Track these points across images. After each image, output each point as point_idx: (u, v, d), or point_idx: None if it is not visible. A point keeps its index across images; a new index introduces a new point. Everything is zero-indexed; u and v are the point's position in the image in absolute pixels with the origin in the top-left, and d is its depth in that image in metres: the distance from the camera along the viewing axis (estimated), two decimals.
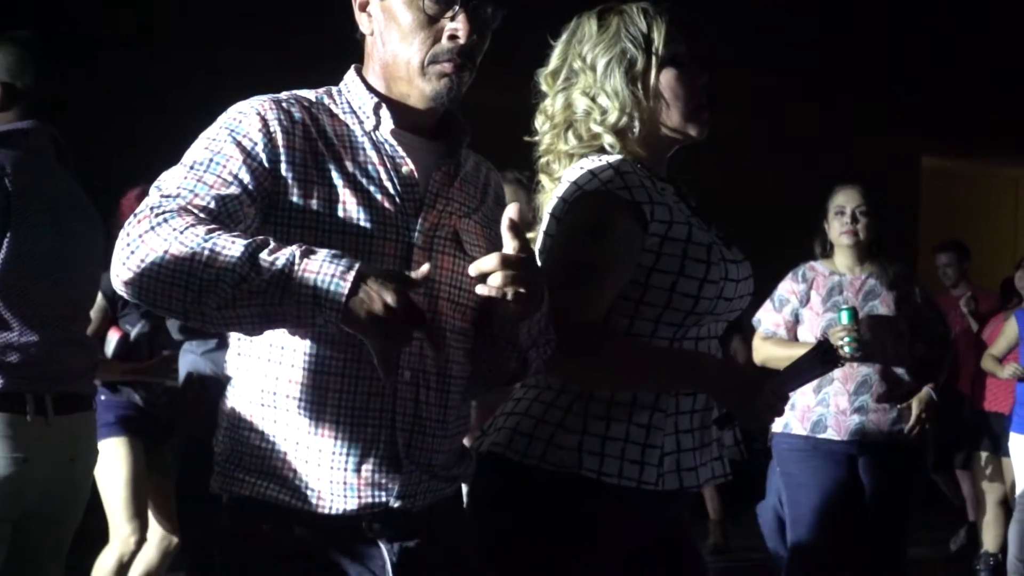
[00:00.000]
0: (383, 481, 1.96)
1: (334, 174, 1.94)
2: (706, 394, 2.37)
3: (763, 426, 2.35)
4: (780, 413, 2.37)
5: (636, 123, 2.40)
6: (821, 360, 2.38)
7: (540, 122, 2.49)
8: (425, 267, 1.78)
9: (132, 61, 7.59)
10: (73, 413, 3.20)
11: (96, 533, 4.90)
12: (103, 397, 4.94)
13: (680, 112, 2.41)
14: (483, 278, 1.86)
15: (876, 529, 4.48)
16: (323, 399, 1.93)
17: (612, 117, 2.39)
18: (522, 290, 1.85)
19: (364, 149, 2.00)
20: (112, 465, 4.86)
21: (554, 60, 2.48)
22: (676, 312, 2.32)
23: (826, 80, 9.57)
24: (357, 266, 1.70)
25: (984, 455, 6.87)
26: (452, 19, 1.97)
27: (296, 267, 1.70)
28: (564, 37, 2.48)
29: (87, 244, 3.28)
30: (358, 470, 1.95)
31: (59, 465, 3.17)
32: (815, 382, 4.33)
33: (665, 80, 2.40)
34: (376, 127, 2.01)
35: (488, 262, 1.84)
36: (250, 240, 1.72)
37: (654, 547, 2.45)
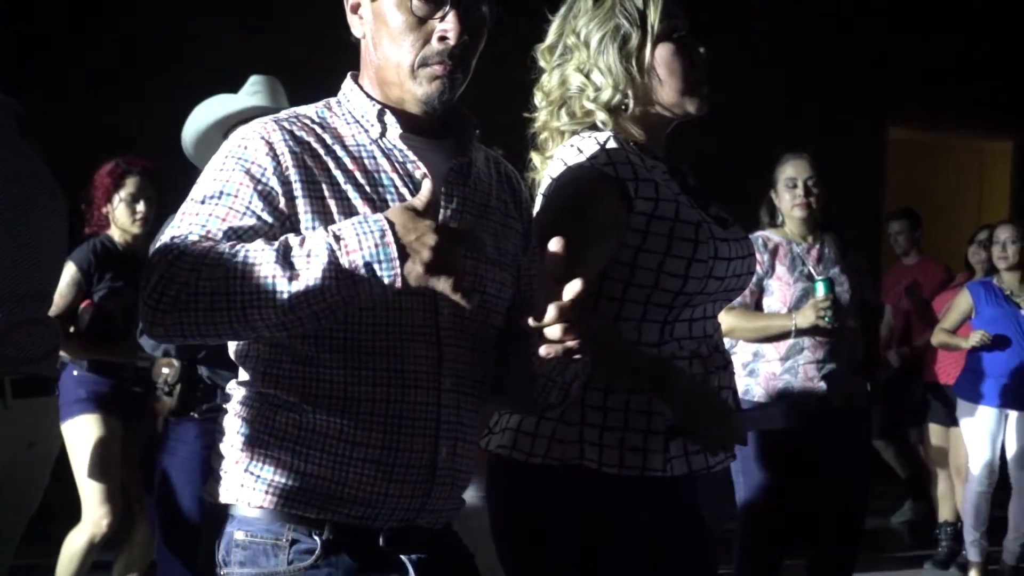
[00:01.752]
0: (421, 491, 1.95)
1: (348, 188, 1.91)
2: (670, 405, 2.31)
3: (712, 452, 2.32)
4: (730, 450, 2.34)
5: (630, 100, 2.37)
6: (785, 419, 2.34)
7: (539, 99, 2.47)
8: (426, 187, 1.77)
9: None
10: (33, 397, 3.13)
11: (66, 506, 4.91)
12: (76, 372, 4.89)
13: (676, 88, 2.38)
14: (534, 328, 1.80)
15: (835, 497, 4.50)
16: (368, 408, 1.90)
17: (605, 94, 2.37)
18: (579, 341, 1.80)
19: (374, 158, 1.97)
20: (83, 443, 4.81)
21: (551, 35, 2.46)
22: (665, 293, 2.29)
23: (792, 50, 9.57)
24: (386, 223, 1.72)
25: (936, 427, 6.91)
26: (442, 20, 1.94)
27: (339, 255, 1.71)
28: (561, 11, 2.45)
29: (51, 224, 3.21)
30: (401, 481, 1.92)
31: (17, 450, 3.10)
32: (783, 350, 4.37)
33: (661, 56, 2.37)
34: (383, 134, 1.98)
35: (545, 318, 1.78)
36: (276, 243, 1.73)
37: (671, 532, 2.42)
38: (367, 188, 1.92)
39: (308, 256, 1.71)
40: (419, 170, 1.96)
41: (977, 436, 6.09)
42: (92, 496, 4.84)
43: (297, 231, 1.86)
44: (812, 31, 9.70)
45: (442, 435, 1.94)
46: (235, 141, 1.93)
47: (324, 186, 1.90)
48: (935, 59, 10.17)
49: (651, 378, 2.28)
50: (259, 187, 1.86)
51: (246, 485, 1.94)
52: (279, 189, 1.87)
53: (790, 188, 4.64)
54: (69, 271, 4.76)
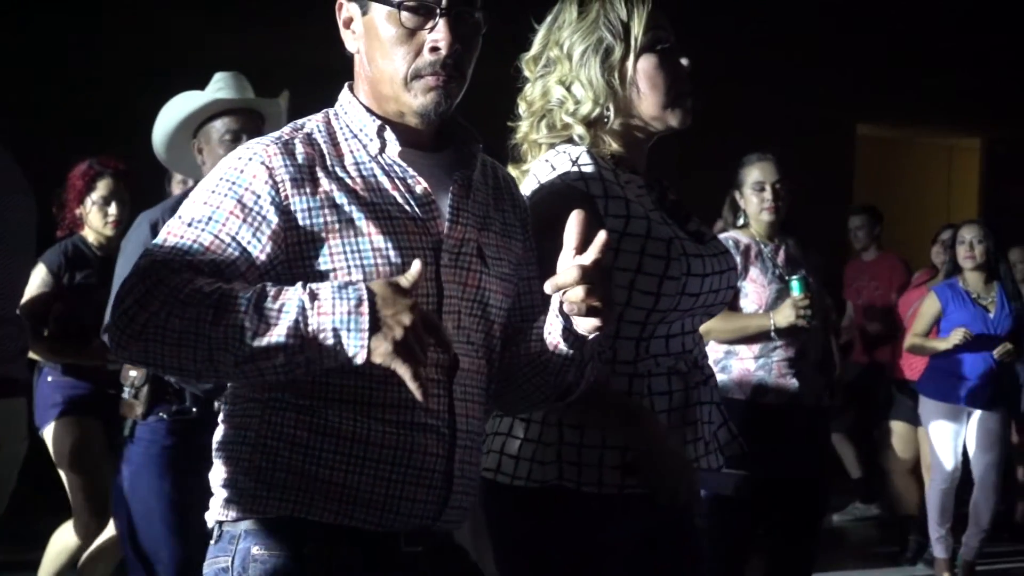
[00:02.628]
0: (438, 499, 1.91)
1: (352, 208, 1.87)
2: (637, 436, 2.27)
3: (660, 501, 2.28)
4: (678, 502, 2.28)
5: (611, 113, 2.34)
6: (736, 488, 2.31)
7: (522, 109, 2.43)
8: (415, 267, 1.73)
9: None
10: (3, 398, 3.11)
11: (45, 501, 4.98)
12: (50, 378, 4.87)
13: (658, 101, 2.34)
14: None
15: (797, 495, 4.52)
16: (379, 412, 1.85)
17: (584, 108, 2.33)
18: (600, 303, 1.80)
19: (375, 176, 1.92)
20: (64, 447, 4.80)
21: (536, 45, 2.42)
22: (637, 310, 2.26)
23: (761, 46, 9.60)
24: (366, 294, 1.69)
25: (900, 424, 6.89)
26: (432, 30, 1.90)
27: (309, 313, 1.68)
28: (547, 21, 2.41)
29: (24, 225, 3.20)
30: (419, 485, 1.88)
31: None
32: (757, 348, 4.38)
33: (643, 68, 2.33)
34: (382, 150, 1.94)
35: (566, 276, 1.79)
36: (251, 292, 1.70)
37: (660, 543, 2.38)
38: (371, 206, 1.88)
39: (279, 311, 1.69)
40: (420, 185, 1.93)
41: (940, 434, 6.12)
42: (76, 498, 4.82)
43: (305, 256, 1.84)
44: (781, 28, 9.73)
45: (458, 442, 1.92)
46: (232, 162, 1.88)
47: (328, 209, 1.85)
48: (904, 56, 10.22)
49: (620, 417, 2.26)
50: (249, 218, 1.82)
51: (259, 496, 1.88)
52: (274, 219, 1.83)
53: (758, 192, 4.62)
54: (39, 272, 4.74)
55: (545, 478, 2.27)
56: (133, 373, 3.71)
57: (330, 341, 1.68)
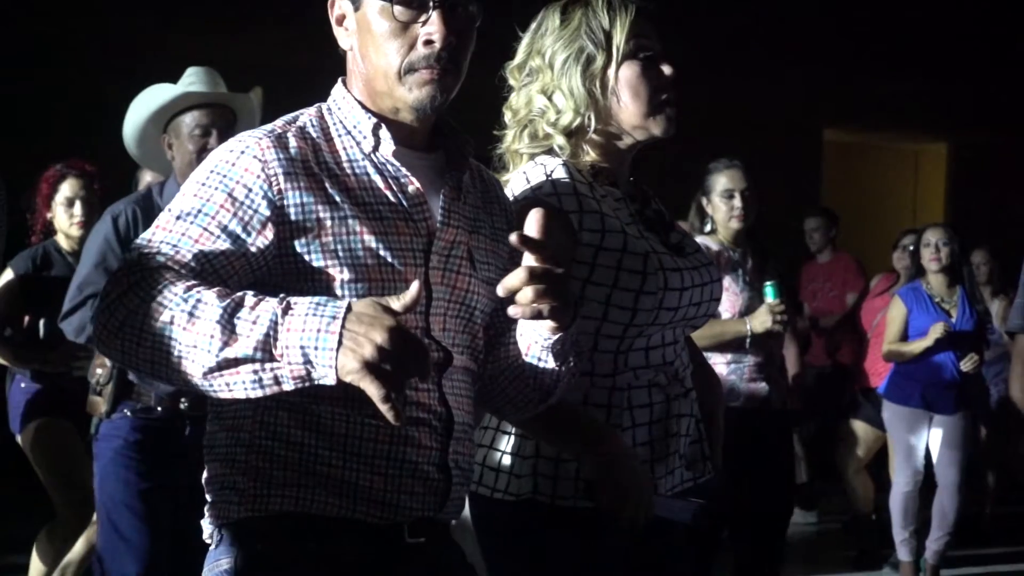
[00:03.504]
0: (439, 491, 1.90)
1: (345, 206, 1.83)
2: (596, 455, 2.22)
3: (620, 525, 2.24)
4: (637, 527, 2.21)
5: (592, 123, 2.31)
6: (694, 517, 2.29)
7: (508, 118, 2.41)
8: (414, 287, 1.67)
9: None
10: None
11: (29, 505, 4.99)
12: (23, 384, 4.87)
13: (640, 110, 2.31)
14: (510, 298, 1.76)
15: (763, 497, 4.54)
16: (373, 409, 1.75)
17: (565, 118, 2.31)
18: (554, 303, 1.77)
19: (368, 174, 1.89)
20: (40, 450, 4.80)
21: (520, 53, 2.39)
22: (614, 325, 2.25)
23: (727, 51, 9.63)
24: (343, 312, 1.61)
25: (863, 426, 6.88)
26: (425, 23, 1.87)
27: (280, 327, 1.62)
28: (531, 28, 2.38)
29: None
30: (415, 476, 1.86)
31: None
32: (729, 354, 4.40)
33: (625, 76, 2.30)
34: (375, 148, 1.91)
35: (514, 278, 1.75)
36: (228, 300, 1.64)
37: (645, 552, 2.35)
38: (363, 204, 1.85)
39: (253, 323, 1.63)
40: (412, 185, 1.90)
41: (904, 437, 6.14)
42: (59, 500, 4.82)
43: (293, 252, 1.81)
44: (747, 33, 9.76)
45: (452, 434, 1.91)
46: (223, 155, 1.85)
47: (320, 205, 1.82)
48: (870, 62, 10.26)
49: (584, 438, 2.20)
50: (240, 211, 1.78)
51: (260, 495, 1.84)
52: (266, 213, 1.79)
53: (726, 199, 4.63)
54: (6, 277, 4.74)
55: (520, 491, 2.26)
56: (99, 371, 3.70)
57: (299, 360, 1.62)
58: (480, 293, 1.98)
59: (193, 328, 1.63)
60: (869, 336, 6.89)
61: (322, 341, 1.60)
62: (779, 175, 7.88)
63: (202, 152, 3.54)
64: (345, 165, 1.89)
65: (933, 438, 6.10)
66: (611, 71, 2.31)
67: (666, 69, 2.33)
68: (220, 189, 1.80)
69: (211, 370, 1.64)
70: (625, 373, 2.29)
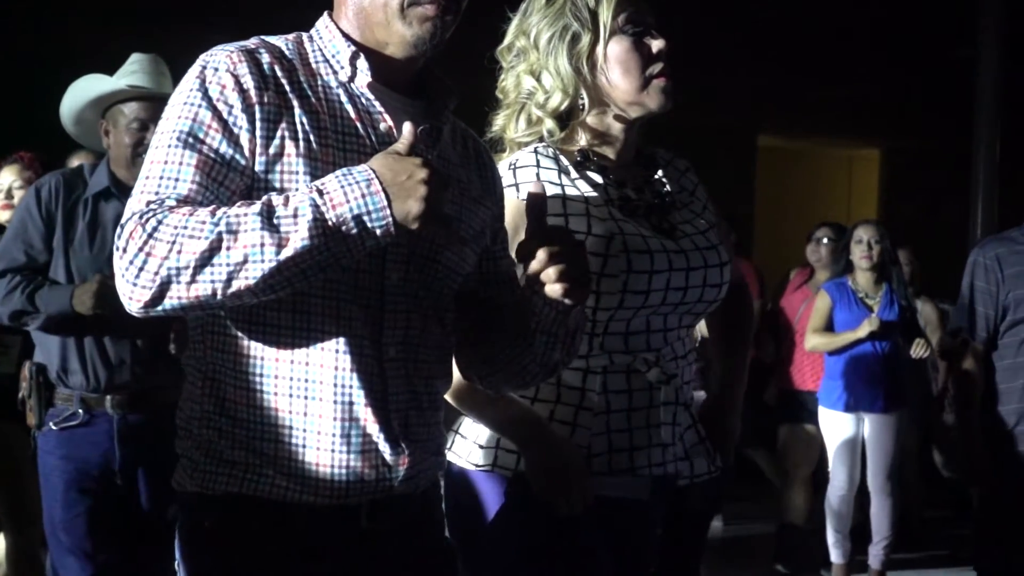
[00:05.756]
0: (387, 462, 1.84)
1: (310, 130, 1.79)
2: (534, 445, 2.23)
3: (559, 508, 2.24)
4: (576, 510, 2.22)
5: (583, 103, 2.28)
6: (652, 493, 2.28)
7: (501, 100, 2.38)
8: (407, 130, 1.72)
9: None
10: None
11: None
12: None
13: (632, 85, 2.28)
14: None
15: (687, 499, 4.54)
16: (318, 376, 1.79)
17: (555, 100, 2.28)
18: (577, 278, 1.80)
19: (340, 103, 1.85)
20: None
21: (509, 34, 2.36)
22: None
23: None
24: (372, 174, 1.67)
25: (791, 429, 6.77)
26: None
27: (325, 210, 1.65)
28: (520, 9, 2.35)
29: None
30: (361, 452, 1.82)
31: None
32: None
33: (614, 52, 2.27)
34: (351, 79, 1.86)
35: (537, 263, 1.78)
36: (259, 207, 1.66)
37: (613, 551, 2.31)
38: (330, 132, 1.81)
39: (294, 216, 1.64)
40: (384, 123, 1.86)
41: (836, 440, 6.17)
42: (5, 505, 4.70)
43: (256, 169, 1.77)
44: (680, 38, 9.79)
45: (391, 407, 1.84)
46: (199, 72, 1.81)
47: (287, 125, 1.79)
48: (804, 67, 10.33)
49: (518, 435, 2.22)
50: (226, 130, 1.76)
51: (209, 471, 1.84)
52: (246, 125, 1.77)
53: None
54: None
55: (482, 462, 2.25)
56: (23, 384, 3.64)
57: (354, 228, 1.66)
58: (447, 247, 1.91)
59: (238, 243, 1.64)
60: (795, 330, 6.77)
61: (371, 203, 1.65)
62: (714, 181, 7.86)
63: (138, 145, 3.50)
64: (319, 90, 1.85)
65: (867, 440, 6.13)
66: (599, 48, 2.27)
67: (656, 43, 2.30)
68: (204, 106, 1.77)
69: (271, 273, 1.65)
70: (599, 356, 2.25)
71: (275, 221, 1.64)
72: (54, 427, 3.60)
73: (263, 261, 1.64)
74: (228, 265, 1.64)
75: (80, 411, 3.57)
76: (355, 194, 1.65)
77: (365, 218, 1.65)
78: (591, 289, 1.86)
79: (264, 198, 1.68)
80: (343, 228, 1.65)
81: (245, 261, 1.64)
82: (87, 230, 3.54)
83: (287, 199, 1.67)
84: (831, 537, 6.22)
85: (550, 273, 1.77)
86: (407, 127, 1.72)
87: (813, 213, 10.75)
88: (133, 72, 3.60)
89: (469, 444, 2.30)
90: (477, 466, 2.28)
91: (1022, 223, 4.02)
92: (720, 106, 9.89)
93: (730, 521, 7.43)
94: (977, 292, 3.96)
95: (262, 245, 1.63)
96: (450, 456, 2.30)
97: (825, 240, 6.85)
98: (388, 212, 1.66)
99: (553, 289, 1.79)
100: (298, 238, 1.64)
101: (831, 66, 10.40)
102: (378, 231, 1.67)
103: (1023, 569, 3.85)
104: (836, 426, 6.15)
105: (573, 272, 1.79)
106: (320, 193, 1.66)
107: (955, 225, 9.14)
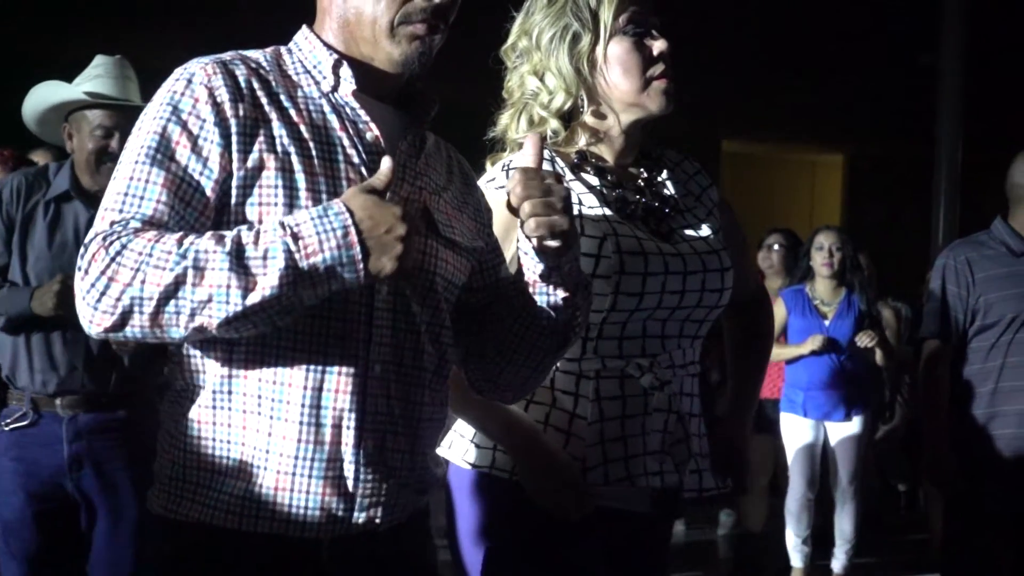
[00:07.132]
0: (350, 490, 1.75)
1: (289, 143, 1.72)
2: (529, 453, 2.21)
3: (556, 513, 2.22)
4: (573, 517, 2.20)
5: (585, 104, 2.26)
6: (653, 504, 2.26)
7: (505, 99, 2.35)
8: (386, 165, 1.65)
9: None
10: None
11: None
12: None
13: (632, 87, 2.25)
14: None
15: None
16: (284, 394, 1.71)
17: (557, 100, 2.25)
18: (559, 216, 1.76)
19: (323, 113, 1.78)
20: None
21: (512, 34, 2.33)
22: None
23: None
24: (349, 220, 1.60)
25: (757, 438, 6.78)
26: None
27: (298, 258, 1.58)
28: (523, 8, 2.32)
29: None
30: (324, 477, 1.73)
31: None
32: None
33: (614, 53, 2.24)
34: (335, 88, 1.80)
35: (515, 197, 1.75)
36: (228, 243, 1.59)
37: (613, 564, 2.30)
38: (311, 145, 1.74)
39: (264, 259, 1.58)
40: (371, 132, 1.80)
41: (796, 445, 6.17)
42: None
43: (234, 187, 1.70)
44: None
45: (367, 426, 1.75)
46: (172, 85, 1.74)
47: (264, 139, 1.72)
48: (768, 74, 10.37)
49: (511, 443, 2.20)
50: (196, 146, 1.69)
51: (174, 494, 1.76)
52: (218, 139, 1.70)
53: None
54: None
55: (480, 463, 2.23)
56: None
57: (324, 277, 1.60)
58: (440, 257, 1.85)
59: (203, 283, 1.58)
60: None
61: (346, 256, 1.60)
62: None
63: (101, 153, 3.44)
64: (300, 101, 1.79)
65: (829, 444, 6.14)
66: (599, 49, 2.25)
67: (658, 44, 2.26)
68: (174, 122, 1.70)
69: (235, 317, 1.59)
70: (591, 359, 2.21)
71: (244, 262, 1.59)
72: (5, 428, 3.55)
73: (227, 303, 1.58)
74: (192, 302, 1.58)
75: (30, 411, 3.51)
76: (330, 244, 1.59)
77: (338, 268, 1.60)
78: (575, 236, 1.81)
79: (234, 233, 1.61)
80: (313, 276, 1.60)
81: (209, 300, 1.58)
82: (47, 232, 3.49)
83: (258, 236, 1.60)
84: (791, 542, 6.22)
85: (525, 209, 1.74)
86: (385, 163, 1.66)
87: (776, 218, 10.80)
88: (97, 77, 3.53)
89: (467, 444, 2.28)
90: (475, 466, 2.26)
91: (987, 227, 3.99)
92: (684, 110, 9.91)
93: (692, 526, 7.42)
94: (948, 295, 3.92)
95: (228, 287, 1.58)
96: (449, 456, 2.29)
97: (776, 246, 6.84)
98: (362, 267, 1.61)
99: (528, 226, 1.75)
100: (267, 283, 1.58)
101: (795, 72, 10.45)
102: (346, 281, 1.62)
103: (991, 574, 3.84)
104: (796, 431, 6.16)
105: (548, 211, 1.75)
106: (295, 238, 1.59)
107: (917, 230, 9.19)
